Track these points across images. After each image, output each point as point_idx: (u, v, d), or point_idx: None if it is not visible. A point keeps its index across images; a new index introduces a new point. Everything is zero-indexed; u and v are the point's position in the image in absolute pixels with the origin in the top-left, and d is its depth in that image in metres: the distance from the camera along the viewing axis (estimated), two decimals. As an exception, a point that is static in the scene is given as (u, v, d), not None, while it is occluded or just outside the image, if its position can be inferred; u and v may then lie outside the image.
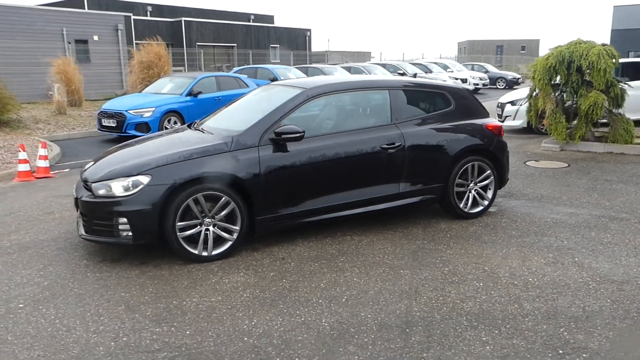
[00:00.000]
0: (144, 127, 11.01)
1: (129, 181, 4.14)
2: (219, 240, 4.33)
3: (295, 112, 4.61)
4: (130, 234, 4.13)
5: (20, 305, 3.57)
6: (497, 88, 27.82)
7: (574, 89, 8.79)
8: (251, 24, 30.83)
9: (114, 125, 11.19)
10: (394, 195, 4.98)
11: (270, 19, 34.73)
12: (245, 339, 3.09)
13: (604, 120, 9.07)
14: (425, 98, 5.31)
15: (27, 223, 5.45)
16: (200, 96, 12.04)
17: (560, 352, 2.94)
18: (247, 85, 13.66)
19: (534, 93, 9.49)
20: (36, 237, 5.02)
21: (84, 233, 4.42)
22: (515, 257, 4.32)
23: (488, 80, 26.34)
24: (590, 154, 8.66)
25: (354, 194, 4.78)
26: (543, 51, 74.28)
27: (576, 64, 8.62)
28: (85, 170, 4.70)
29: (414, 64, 24.07)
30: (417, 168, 5.02)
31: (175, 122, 11.47)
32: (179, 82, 12.54)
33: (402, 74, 21.78)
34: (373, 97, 5.12)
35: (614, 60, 8.49)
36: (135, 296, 3.68)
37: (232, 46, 28.76)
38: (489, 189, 5.44)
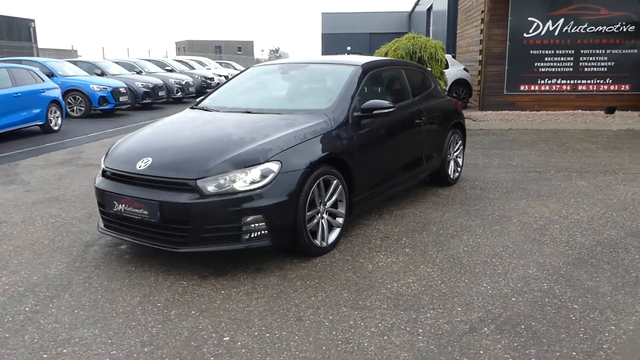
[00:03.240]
0: None
1: (256, 170, 3.45)
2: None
3: (360, 87, 4.50)
4: (264, 232, 3.46)
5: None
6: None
7: (416, 76, 10.33)
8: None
9: None
10: (421, 167, 5.31)
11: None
12: (513, 299, 3.12)
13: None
14: (419, 77, 5.74)
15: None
16: (-4, 92, 9.56)
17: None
18: (43, 80, 11.40)
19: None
20: (44, 272, 3.61)
21: (179, 247, 3.45)
22: (541, 204, 5.19)
23: (244, 77, 27.40)
24: (435, 130, 10.35)
25: (404, 166, 4.95)
26: (257, 52, 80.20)
27: (418, 55, 10.17)
28: (141, 167, 3.60)
29: (179, 61, 23.39)
30: (431, 141, 5.45)
31: (-28, 126, 8.88)
32: (-42, 74, 9.64)
33: (171, 70, 21.01)
34: (399, 75, 5.31)
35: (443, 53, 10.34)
36: (333, 295, 3.20)
37: None
38: (459, 157, 6.23)
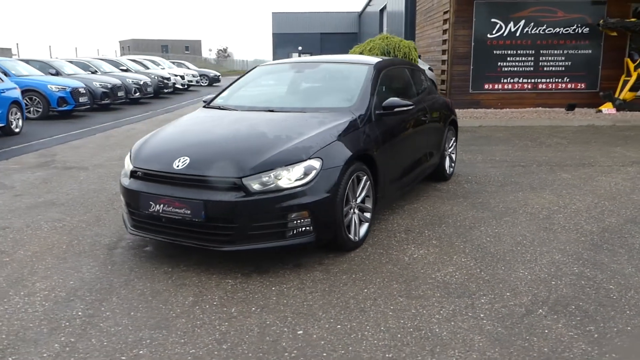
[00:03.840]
0: None
1: (299, 168, 3.50)
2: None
3: (377, 86, 4.62)
4: (308, 228, 3.51)
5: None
6: (201, 85, 28.72)
7: (390, 75, 10.58)
8: None
9: None
10: (427, 163, 5.49)
11: None
12: (553, 282, 3.33)
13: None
14: (418, 76, 5.93)
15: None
16: (-42, 93, 9.03)
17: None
18: (2, 80, 10.85)
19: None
20: (79, 277, 3.52)
21: (223, 246, 3.45)
22: (537, 196, 5.49)
23: (199, 77, 27.01)
24: (410, 128, 10.63)
25: (415, 162, 5.12)
26: (205, 52, 78.97)
27: (393, 55, 10.42)
28: (178, 166, 3.56)
29: (133, 61, 22.74)
30: (433, 138, 5.65)
31: None
32: None
33: (126, 70, 20.41)
34: (404, 74, 5.46)
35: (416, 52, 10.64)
36: (384, 287, 3.30)
37: None
38: (453, 153, 6.48)
